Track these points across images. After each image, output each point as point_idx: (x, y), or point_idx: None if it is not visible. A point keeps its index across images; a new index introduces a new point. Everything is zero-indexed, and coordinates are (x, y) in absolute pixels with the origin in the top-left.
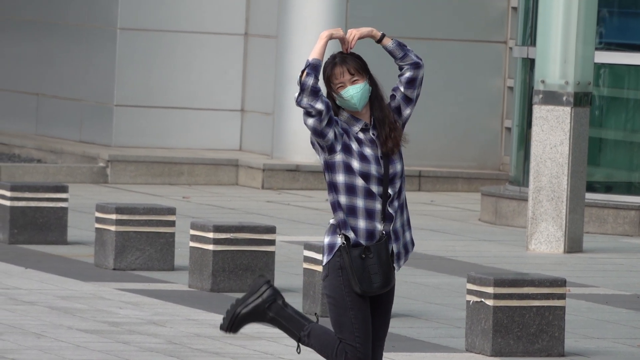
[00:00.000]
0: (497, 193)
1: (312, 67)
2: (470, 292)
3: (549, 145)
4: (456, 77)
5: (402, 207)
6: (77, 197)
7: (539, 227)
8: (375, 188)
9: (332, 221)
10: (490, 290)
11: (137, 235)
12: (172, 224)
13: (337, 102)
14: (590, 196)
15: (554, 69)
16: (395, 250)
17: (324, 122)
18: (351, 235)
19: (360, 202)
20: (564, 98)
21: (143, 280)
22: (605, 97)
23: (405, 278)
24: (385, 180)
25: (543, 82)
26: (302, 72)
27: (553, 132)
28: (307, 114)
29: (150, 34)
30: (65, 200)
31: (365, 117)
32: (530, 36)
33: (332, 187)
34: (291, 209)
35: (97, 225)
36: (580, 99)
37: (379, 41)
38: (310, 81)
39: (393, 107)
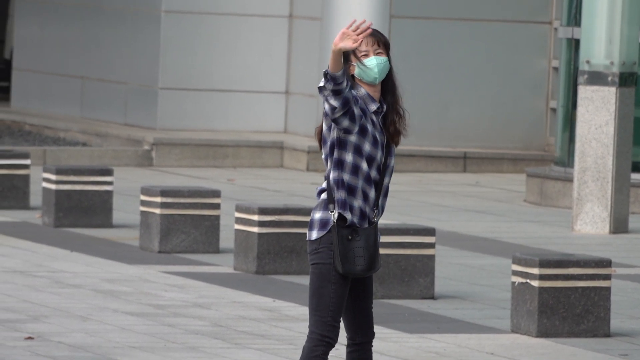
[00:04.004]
0: (542, 174)
1: (331, 78)
2: (515, 273)
3: (594, 126)
4: (501, 58)
5: (381, 211)
6: (122, 180)
7: (584, 207)
8: (374, 174)
9: (324, 196)
10: (535, 271)
11: (182, 218)
12: (217, 206)
13: (356, 72)
14: (635, 176)
15: (599, 50)
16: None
17: (337, 114)
18: (348, 216)
19: (360, 184)
20: (609, 78)
21: (188, 263)
22: None
23: (450, 260)
24: (383, 169)
25: (588, 62)
26: (325, 75)
27: (598, 113)
28: (325, 100)
29: (194, 16)
30: (110, 183)
31: (377, 99)
32: (575, 17)
33: (339, 165)
34: None
35: (142, 208)
36: (626, 79)
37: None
38: (330, 86)
39: None
